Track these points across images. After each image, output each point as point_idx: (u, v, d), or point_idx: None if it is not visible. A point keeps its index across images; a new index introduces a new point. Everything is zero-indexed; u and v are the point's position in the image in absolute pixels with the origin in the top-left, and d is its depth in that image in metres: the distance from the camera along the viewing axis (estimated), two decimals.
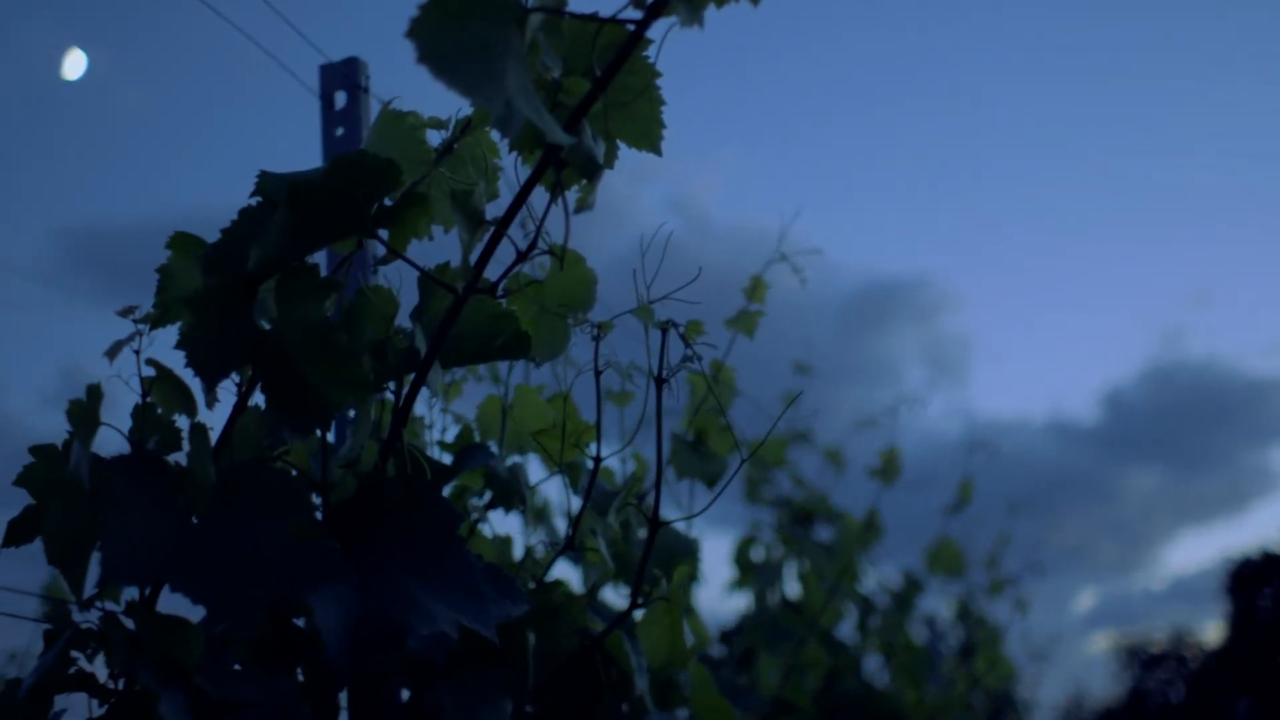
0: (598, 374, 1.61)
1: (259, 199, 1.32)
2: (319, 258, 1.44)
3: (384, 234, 1.37)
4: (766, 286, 2.36)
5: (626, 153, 1.30)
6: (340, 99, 1.89)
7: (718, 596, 3.92)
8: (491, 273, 1.28)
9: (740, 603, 3.87)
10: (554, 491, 2.67)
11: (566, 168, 1.17)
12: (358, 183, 1.26)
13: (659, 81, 1.26)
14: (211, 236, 1.30)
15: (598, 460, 1.71)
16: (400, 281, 1.54)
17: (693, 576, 2.30)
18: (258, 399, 1.31)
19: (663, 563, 2.08)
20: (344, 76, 1.90)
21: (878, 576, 4.79)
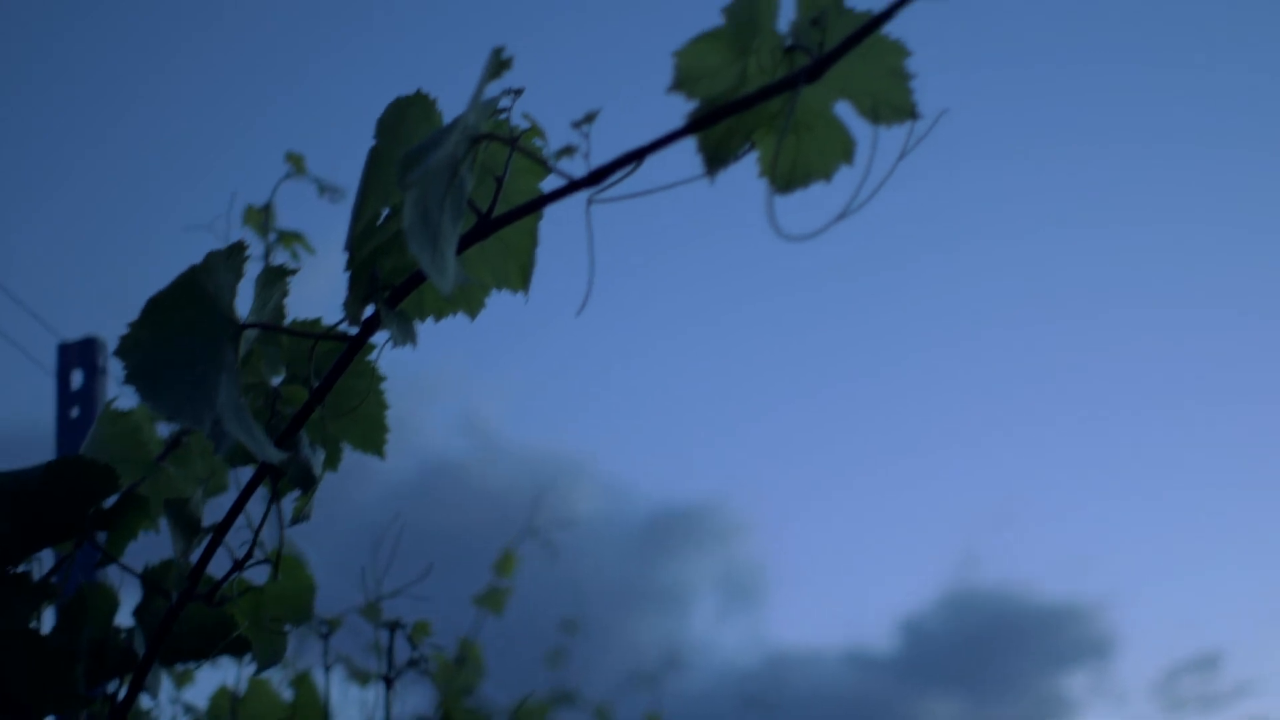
0: (327, 669, 1.60)
1: None
2: (45, 552, 1.41)
3: (103, 536, 1.34)
4: (516, 561, 2.35)
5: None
6: (77, 379, 1.87)
7: None
8: (219, 567, 1.26)
9: None
10: None
11: (283, 478, 1.17)
12: (74, 488, 1.24)
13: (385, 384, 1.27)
14: None
15: None
16: (122, 578, 1.51)
17: None
18: None
19: None
20: (81, 356, 1.88)
21: None
